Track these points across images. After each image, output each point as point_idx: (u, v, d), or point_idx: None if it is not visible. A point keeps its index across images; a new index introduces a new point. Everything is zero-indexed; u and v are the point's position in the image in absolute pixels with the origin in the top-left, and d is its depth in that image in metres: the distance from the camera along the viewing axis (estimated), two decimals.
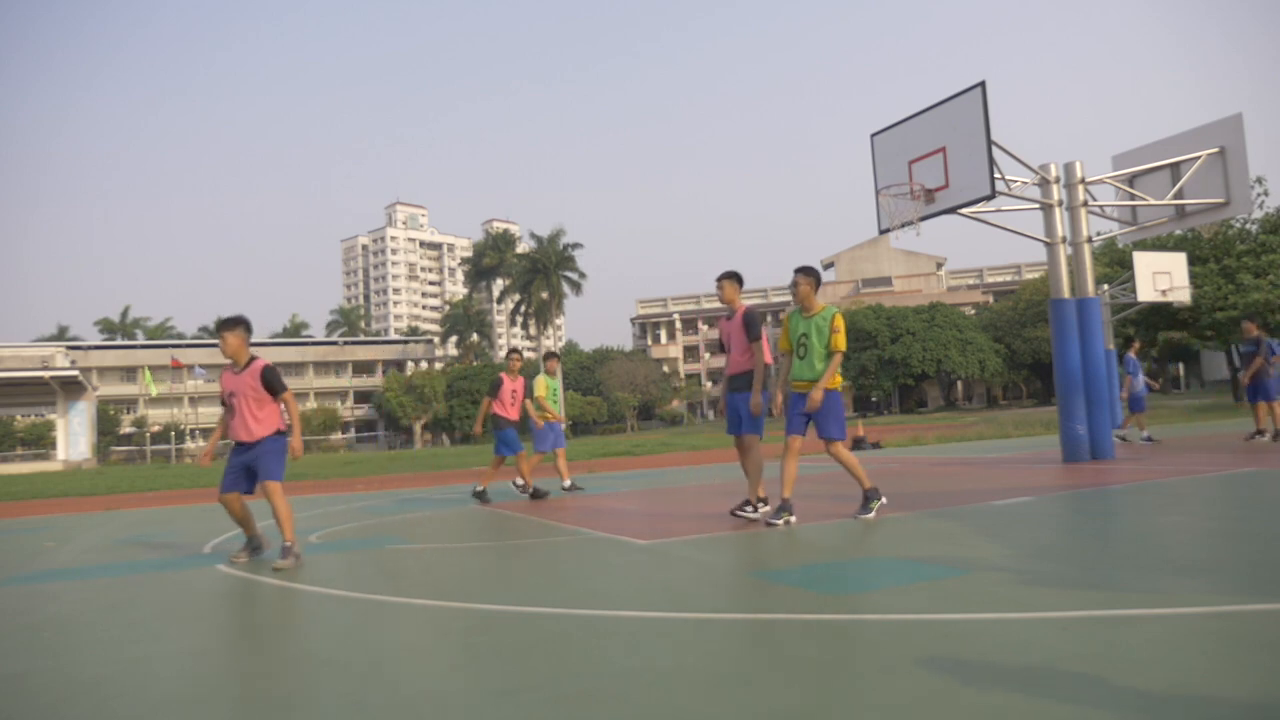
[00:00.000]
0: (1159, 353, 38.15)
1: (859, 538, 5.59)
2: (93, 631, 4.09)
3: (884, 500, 6.69)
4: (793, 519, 6.41)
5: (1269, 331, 31.44)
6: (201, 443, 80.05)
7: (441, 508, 10.05)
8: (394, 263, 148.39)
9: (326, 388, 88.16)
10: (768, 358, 6.82)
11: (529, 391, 10.44)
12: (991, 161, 10.02)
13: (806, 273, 6.53)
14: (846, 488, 9.12)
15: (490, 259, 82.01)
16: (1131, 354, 15.32)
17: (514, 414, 10.11)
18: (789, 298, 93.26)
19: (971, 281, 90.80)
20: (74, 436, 58.93)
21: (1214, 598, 3.29)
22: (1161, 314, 31.60)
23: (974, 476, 9.46)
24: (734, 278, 7.06)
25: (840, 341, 6.31)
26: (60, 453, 58.46)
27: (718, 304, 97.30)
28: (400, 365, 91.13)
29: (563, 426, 10.86)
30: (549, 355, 11.18)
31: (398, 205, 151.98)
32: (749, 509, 6.77)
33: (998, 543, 5.00)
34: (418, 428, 79.09)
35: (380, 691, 2.76)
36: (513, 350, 10.34)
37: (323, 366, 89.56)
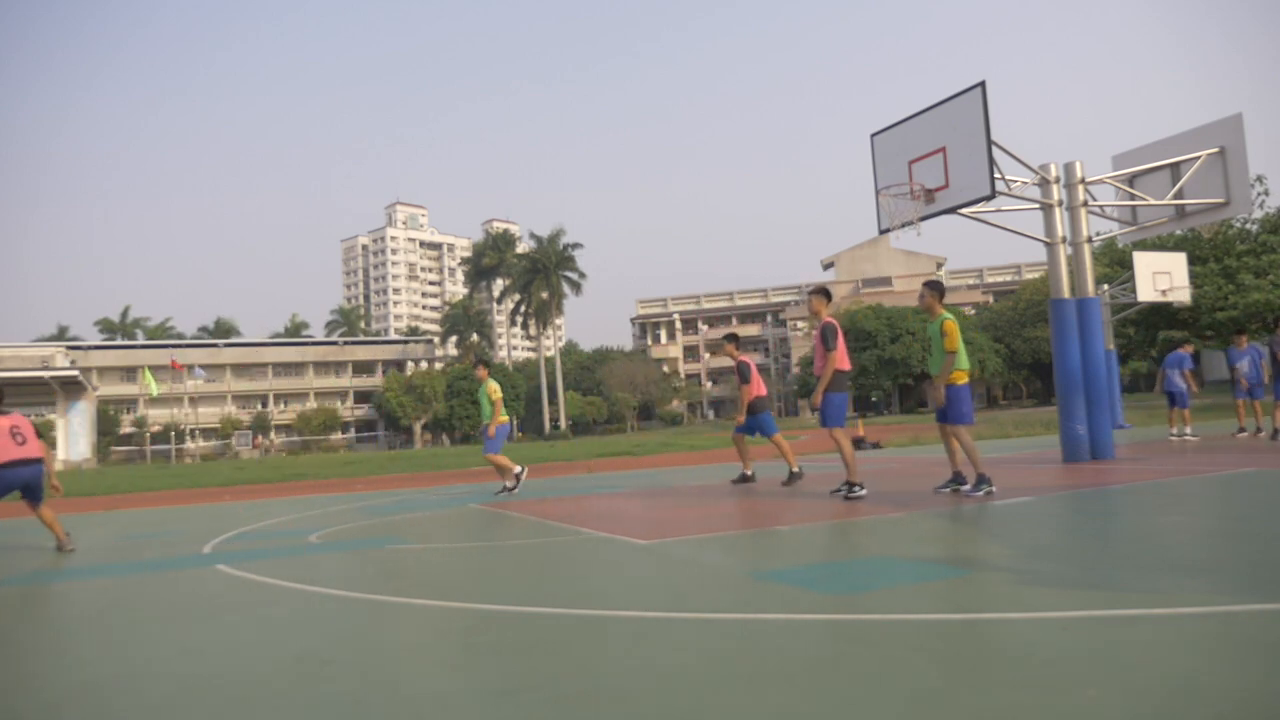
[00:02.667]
0: (1159, 352, 38.12)
1: (859, 538, 5.59)
2: (93, 631, 4.09)
3: (994, 489, 7.47)
4: (963, 487, 7.63)
5: (1270, 332, 31.37)
6: (202, 442, 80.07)
7: (441, 508, 10.05)
8: (394, 263, 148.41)
9: (326, 388, 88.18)
10: (844, 364, 7.87)
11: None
12: (991, 161, 10.01)
13: (930, 286, 7.64)
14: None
15: (490, 259, 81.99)
16: (1184, 351, 15.21)
17: (764, 390, 10.11)
18: (789, 298, 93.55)
19: (971, 281, 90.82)
20: (74, 436, 58.91)
21: (1214, 598, 3.29)
22: (1161, 314, 31.57)
23: (974, 476, 9.43)
24: (820, 293, 8.12)
25: (948, 344, 7.29)
26: (60, 453, 58.39)
27: (718, 304, 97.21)
28: (400, 365, 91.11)
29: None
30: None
31: (398, 205, 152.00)
32: (856, 489, 7.91)
33: (998, 543, 5.00)
34: (418, 428, 79.11)
35: (380, 691, 2.76)
36: (728, 335, 10.42)
37: (323, 366, 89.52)
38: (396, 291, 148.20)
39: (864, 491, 7.90)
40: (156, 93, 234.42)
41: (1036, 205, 11.22)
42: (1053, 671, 2.51)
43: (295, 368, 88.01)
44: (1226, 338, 31.78)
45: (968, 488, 7.62)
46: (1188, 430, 14.66)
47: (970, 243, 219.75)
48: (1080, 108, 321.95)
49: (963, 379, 7.52)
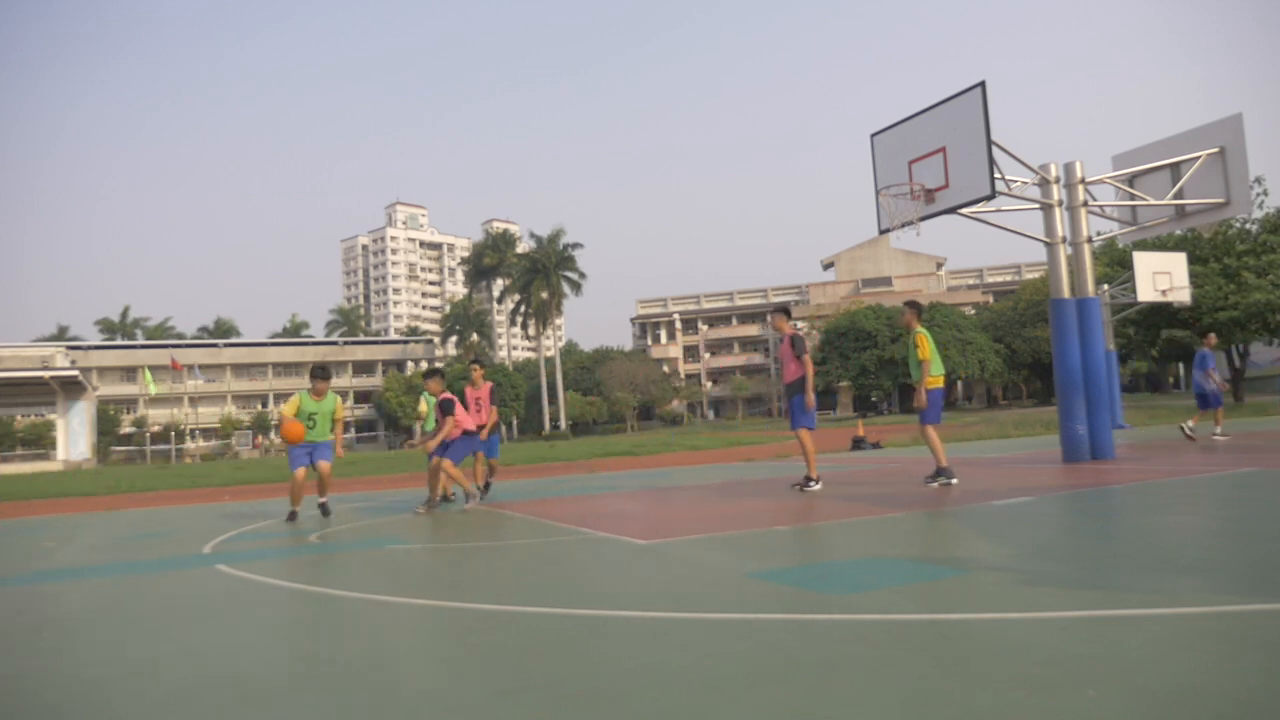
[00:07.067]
0: (1159, 352, 38.11)
1: (858, 538, 5.59)
2: (93, 631, 4.09)
3: (954, 480, 8.42)
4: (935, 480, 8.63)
5: (1270, 332, 31.37)
6: (202, 442, 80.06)
7: (441, 507, 10.04)
8: (394, 263, 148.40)
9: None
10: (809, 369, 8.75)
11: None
12: (991, 161, 10.02)
13: (907, 304, 8.95)
14: (851, 489, 9.13)
15: (490, 259, 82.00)
16: (1206, 347, 14.83)
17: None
18: (789, 298, 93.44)
19: (971, 281, 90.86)
20: (74, 436, 58.95)
21: (1214, 598, 3.29)
22: (1161, 314, 31.54)
23: (974, 476, 9.46)
24: (780, 311, 9.24)
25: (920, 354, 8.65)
26: (60, 453, 58.46)
27: (717, 304, 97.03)
28: (400, 365, 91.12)
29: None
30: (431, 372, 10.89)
31: (398, 205, 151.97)
32: (809, 484, 8.90)
33: (998, 543, 5.00)
34: (418, 428, 79.16)
35: (380, 691, 2.76)
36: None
37: None
38: (396, 291, 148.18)
39: (819, 486, 8.85)
40: (156, 92, 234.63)
41: (1036, 205, 11.22)
42: (1053, 671, 2.50)
43: (295, 368, 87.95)
44: (1227, 338, 31.76)
45: (941, 479, 8.61)
46: (1217, 430, 14.44)
47: (970, 243, 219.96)
48: (1080, 108, 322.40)
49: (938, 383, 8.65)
